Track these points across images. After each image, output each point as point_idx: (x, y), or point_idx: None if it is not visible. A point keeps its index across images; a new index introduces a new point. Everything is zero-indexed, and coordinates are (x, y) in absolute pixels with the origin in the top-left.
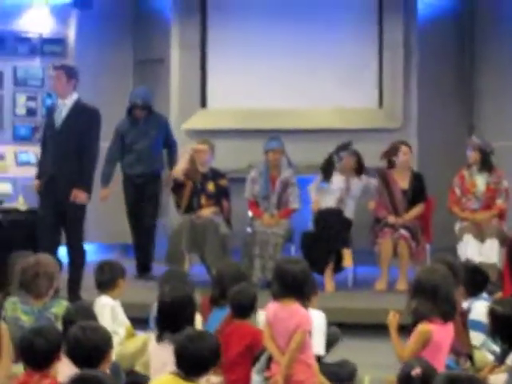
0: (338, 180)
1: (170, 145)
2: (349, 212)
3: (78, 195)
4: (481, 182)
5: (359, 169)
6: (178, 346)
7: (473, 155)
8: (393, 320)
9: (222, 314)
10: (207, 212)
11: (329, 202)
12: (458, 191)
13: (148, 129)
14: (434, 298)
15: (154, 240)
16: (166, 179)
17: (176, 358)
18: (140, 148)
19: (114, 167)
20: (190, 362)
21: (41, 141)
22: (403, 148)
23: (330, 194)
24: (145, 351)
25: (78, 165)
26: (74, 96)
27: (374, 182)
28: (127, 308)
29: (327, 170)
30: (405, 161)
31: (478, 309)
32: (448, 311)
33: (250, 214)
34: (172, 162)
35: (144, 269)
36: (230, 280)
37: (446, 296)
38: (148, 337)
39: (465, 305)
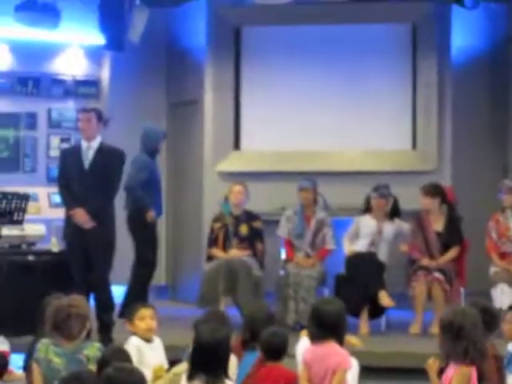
0: (369, 224)
1: None
2: (382, 255)
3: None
4: None
5: (393, 212)
6: None
7: (508, 198)
8: (432, 365)
9: (253, 357)
10: (237, 253)
11: (361, 245)
12: (494, 235)
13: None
14: (458, 339)
15: None
16: None
17: None
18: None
19: None
20: None
21: (61, 181)
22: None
23: (362, 237)
24: None
25: (103, 204)
26: (99, 139)
27: (406, 226)
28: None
29: (364, 209)
30: (422, 205)
31: None
32: (474, 354)
33: (283, 255)
34: None
35: None
36: (261, 323)
37: (471, 338)
38: (180, 370)
39: (509, 348)
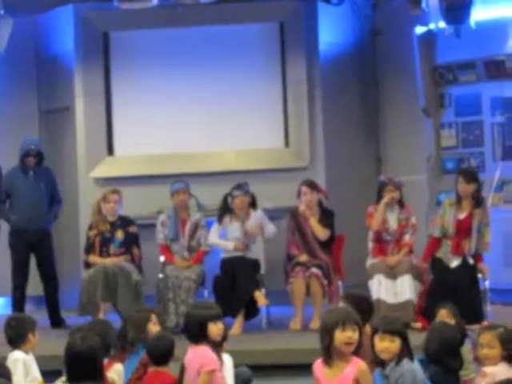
0: (233, 229)
1: (57, 201)
2: (254, 253)
3: None
4: (392, 218)
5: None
6: None
7: (397, 194)
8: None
9: (137, 358)
10: (114, 260)
11: (231, 251)
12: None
13: (38, 182)
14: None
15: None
16: None
17: None
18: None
19: None
20: None
21: None
22: (303, 188)
23: (231, 241)
24: None
25: None
26: None
27: (263, 216)
28: (41, 361)
29: (221, 211)
30: (306, 200)
31: None
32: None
33: (162, 259)
34: (55, 217)
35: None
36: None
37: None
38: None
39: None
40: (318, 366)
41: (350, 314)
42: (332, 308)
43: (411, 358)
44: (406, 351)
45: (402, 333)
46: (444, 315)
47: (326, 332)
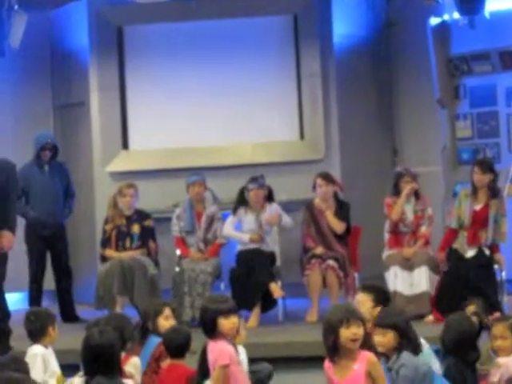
0: (248, 221)
1: (71, 195)
2: (269, 245)
3: (5, 237)
4: (409, 210)
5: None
6: None
7: (414, 185)
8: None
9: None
10: (130, 253)
11: (247, 243)
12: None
13: (53, 176)
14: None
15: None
16: None
17: None
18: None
19: None
20: None
21: None
22: (318, 181)
23: (246, 233)
24: None
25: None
26: None
27: (278, 208)
28: (57, 354)
29: (237, 204)
30: (321, 192)
31: None
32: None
33: (178, 252)
34: (71, 211)
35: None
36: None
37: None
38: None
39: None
40: (328, 366)
41: (353, 310)
42: (334, 306)
43: (415, 352)
44: (405, 344)
45: (395, 326)
46: (472, 311)
47: (331, 331)
